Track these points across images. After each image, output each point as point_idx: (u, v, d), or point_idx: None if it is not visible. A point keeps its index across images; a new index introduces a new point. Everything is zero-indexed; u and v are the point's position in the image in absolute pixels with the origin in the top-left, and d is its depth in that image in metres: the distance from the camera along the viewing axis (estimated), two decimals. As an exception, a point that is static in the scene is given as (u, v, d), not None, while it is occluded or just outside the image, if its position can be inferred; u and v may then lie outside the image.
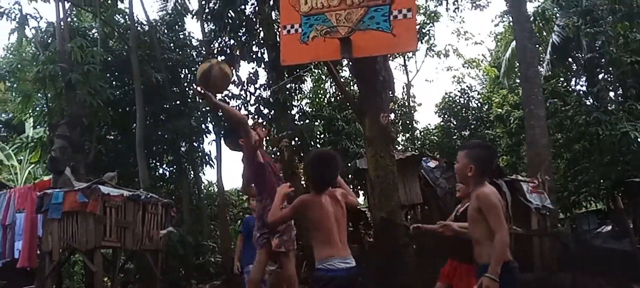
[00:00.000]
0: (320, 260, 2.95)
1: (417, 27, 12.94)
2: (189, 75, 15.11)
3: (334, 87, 17.98)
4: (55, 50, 11.00)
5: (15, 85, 15.51)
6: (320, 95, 19.71)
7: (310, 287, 3.12)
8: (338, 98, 17.09)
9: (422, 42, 21.27)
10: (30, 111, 13.98)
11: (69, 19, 11.88)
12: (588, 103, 13.98)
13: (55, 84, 10.76)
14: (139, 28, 14.11)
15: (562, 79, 16.02)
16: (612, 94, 14.13)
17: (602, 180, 13.58)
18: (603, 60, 13.66)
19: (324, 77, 19.03)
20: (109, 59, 12.98)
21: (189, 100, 15.08)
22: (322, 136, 16.31)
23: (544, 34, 16.21)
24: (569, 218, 14.37)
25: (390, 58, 14.73)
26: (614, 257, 8.14)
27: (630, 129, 11.31)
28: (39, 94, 12.75)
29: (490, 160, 3.05)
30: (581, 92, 15.12)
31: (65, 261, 10.91)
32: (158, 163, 15.86)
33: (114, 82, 13.67)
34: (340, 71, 15.46)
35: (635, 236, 8.47)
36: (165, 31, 15.36)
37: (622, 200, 13.03)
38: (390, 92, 6.89)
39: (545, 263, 8.63)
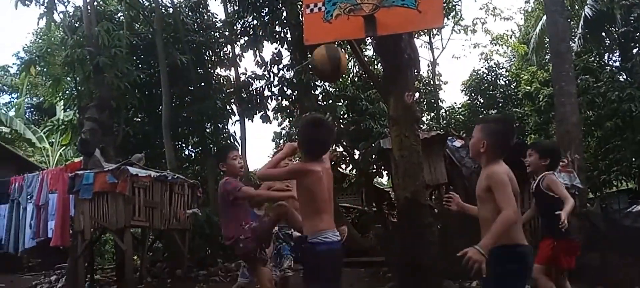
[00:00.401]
0: (315, 233, 2.92)
1: (444, 2, 12.62)
2: (213, 57, 15.19)
3: (357, 66, 17.80)
4: (82, 34, 11.16)
5: (45, 69, 15.86)
6: (343, 75, 19.56)
7: (307, 259, 3.03)
8: (362, 77, 16.92)
9: (448, 18, 20.78)
10: (60, 94, 14.30)
11: (95, 3, 12.03)
12: (621, 79, 13.49)
13: (83, 67, 10.94)
14: (163, 10, 14.20)
15: (594, 54, 15.47)
16: (647, 69, 13.59)
17: (634, 159, 13.17)
18: (638, 34, 13.12)
19: (347, 56, 18.85)
20: (135, 41, 13.13)
21: (214, 82, 15.18)
22: (345, 116, 16.23)
23: (576, 7, 15.64)
24: (598, 197, 14.02)
25: (416, 35, 14.46)
26: (646, 237, 7.93)
27: (666, 105, 10.88)
28: (68, 78, 13.02)
29: (505, 136, 2.84)
30: (614, 68, 14.60)
31: (97, 240, 11.24)
32: (184, 145, 16.10)
33: (140, 65, 13.85)
34: (364, 50, 15.27)
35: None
36: (189, 13, 15.43)
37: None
38: (415, 71, 6.76)
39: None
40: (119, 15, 14.04)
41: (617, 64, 14.87)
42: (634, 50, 13.67)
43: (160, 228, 9.23)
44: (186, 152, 16.32)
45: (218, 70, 15.65)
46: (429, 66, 21.44)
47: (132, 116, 14.72)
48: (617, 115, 12.73)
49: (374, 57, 15.48)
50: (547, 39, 14.16)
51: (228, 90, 14.79)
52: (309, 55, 12.52)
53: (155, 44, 12.79)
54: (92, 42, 10.61)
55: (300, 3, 10.87)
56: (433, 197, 10.17)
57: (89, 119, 10.12)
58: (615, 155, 13.76)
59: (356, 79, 17.68)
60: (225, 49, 15.25)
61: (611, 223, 8.96)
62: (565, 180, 9.10)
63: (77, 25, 12.42)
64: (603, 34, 15.28)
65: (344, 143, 15.05)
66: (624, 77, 13.68)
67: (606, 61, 15.59)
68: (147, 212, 8.55)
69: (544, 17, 14.50)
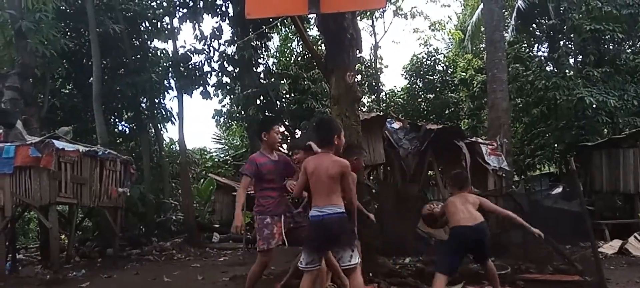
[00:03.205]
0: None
1: (386, -14, 12.72)
2: (149, 28, 14.49)
3: (300, 46, 17.71)
4: (3, -5, 10.29)
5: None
6: (286, 54, 19.40)
7: None
8: (304, 57, 16.88)
9: (390, 2, 21.12)
10: (-23, 60, 13.12)
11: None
12: (548, 69, 14.31)
13: (4, 31, 10.16)
14: (94, -25, 13.30)
15: (525, 44, 16.29)
16: (572, 60, 14.50)
17: (556, 144, 14.09)
18: (565, 26, 13.92)
19: (291, 35, 18.71)
20: (63, 7, 12.26)
21: (150, 54, 14.53)
22: (287, 95, 16.15)
23: (511, -2, 16.36)
24: (523, 180, 14.94)
25: (359, 18, 14.54)
26: (564, 217, 8.52)
27: (586, 94, 11.67)
28: (-14, 42, 11.97)
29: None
30: (542, 58, 15.45)
31: (19, 217, 10.59)
32: (117, 120, 15.36)
33: (68, 32, 12.95)
34: (308, 29, 15.17)
35: (585, 197, 8.86)
36: (124, -20, 14.59)
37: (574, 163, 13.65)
38: (357, 51, 6.76)
39: (499, 221, 8.97)
40: (44, -23, 13.00)
41: (545, 54, 15.75)
42: (561, 42, 14.51)
43: (89, 206, 8.79)
44: (120, 127, 15.57)
45: (155, 42, 14.98)
46: (371, 49, 21.74)
47: (59, 87, 13.82)
48: (543, 102, 13.52)
49: (317, 37, 15.44)
50: (483, 28, 14.74)
51: (165, 64, 14.22)
52: (251, 32, 12.32)
53: (85, 10, 11.98)
54: (15, 5, 9.82)
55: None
56: (371, 177, 10.38)
57: (9, 88, 9.41)
58: (540, 140, 14.69)
59: (299, 59, 17.60)
60: (162, 20, 14.59)
61: (534, 203, 9.53)
62: (494, 163, 9.61)
63: (-4, -15, 11.39)
64: (534, 25, 16.10)
65: (286, 122, 14.99)
66: (551, 66, 14.52)
67: (535, 52, 16.47)
68: (74, 188, 8.11)
69: (481, 6, 15.07)
